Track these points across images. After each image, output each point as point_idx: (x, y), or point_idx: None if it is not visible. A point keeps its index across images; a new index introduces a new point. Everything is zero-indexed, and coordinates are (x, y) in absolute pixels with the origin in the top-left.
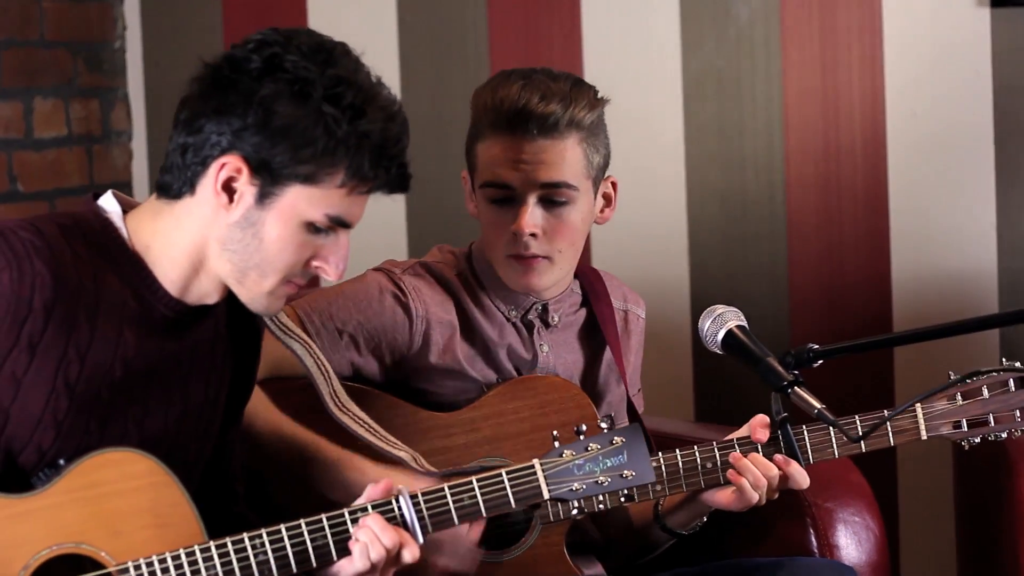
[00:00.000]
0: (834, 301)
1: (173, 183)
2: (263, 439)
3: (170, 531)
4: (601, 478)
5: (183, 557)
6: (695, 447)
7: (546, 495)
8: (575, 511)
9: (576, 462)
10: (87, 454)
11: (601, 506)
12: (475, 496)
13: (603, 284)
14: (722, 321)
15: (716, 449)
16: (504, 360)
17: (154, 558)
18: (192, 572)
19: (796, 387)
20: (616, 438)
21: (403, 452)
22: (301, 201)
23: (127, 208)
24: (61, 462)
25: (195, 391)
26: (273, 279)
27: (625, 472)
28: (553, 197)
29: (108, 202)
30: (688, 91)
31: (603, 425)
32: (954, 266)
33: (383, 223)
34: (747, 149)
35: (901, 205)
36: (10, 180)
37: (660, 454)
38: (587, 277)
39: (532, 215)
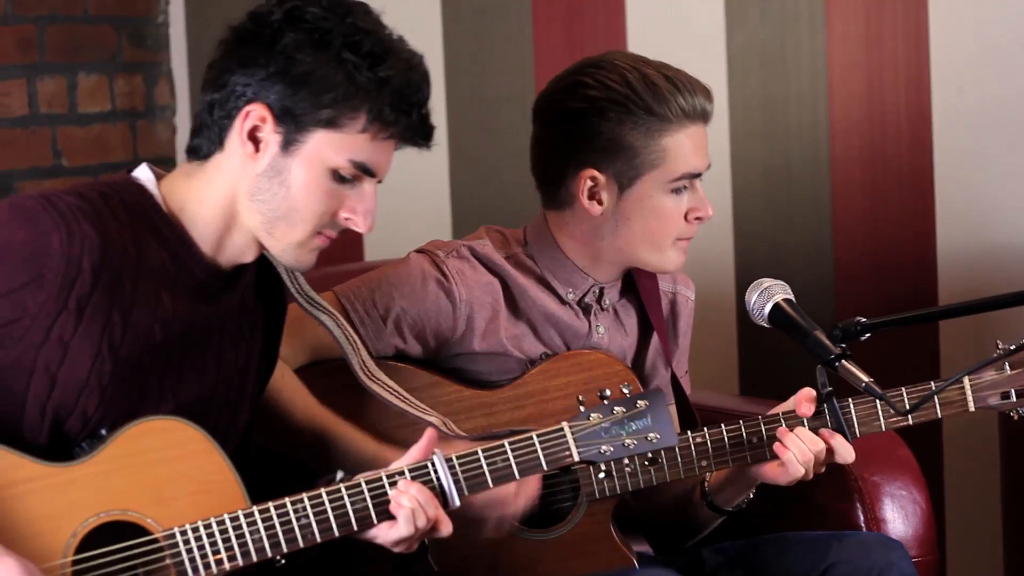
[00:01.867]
0: (879, 275)
1: (203, 144)
2: (300, 428)
3: (214, 497)
4: (628, 440)
5: (228, 522)
6: (741, 422)
7: (576, 457)
8: (602, 472)
9: (603, 425)
10: (130, 422)
11: (635, 479)
12: (507, 459)
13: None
14: (769, 295)
15: (762, 423)
16: (555, 337)
17: (199, 524)
18: (237, 537)
19: (844, 360)
20: (640, 402)
21: (433, 417)
22: (324, 146)
23: (160, 177)
24: (103, 432)
25: (226, 358)
26: (302, 228)
27: (650, 435)
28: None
29: (141, 171)
30: (732, 65)
31: (625, 390)
32: (999, 239)
33: (427, 201)
34: (791, 123)
35: (946, 178)
36: (55, 155)
37: (706, 429)
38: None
39: None
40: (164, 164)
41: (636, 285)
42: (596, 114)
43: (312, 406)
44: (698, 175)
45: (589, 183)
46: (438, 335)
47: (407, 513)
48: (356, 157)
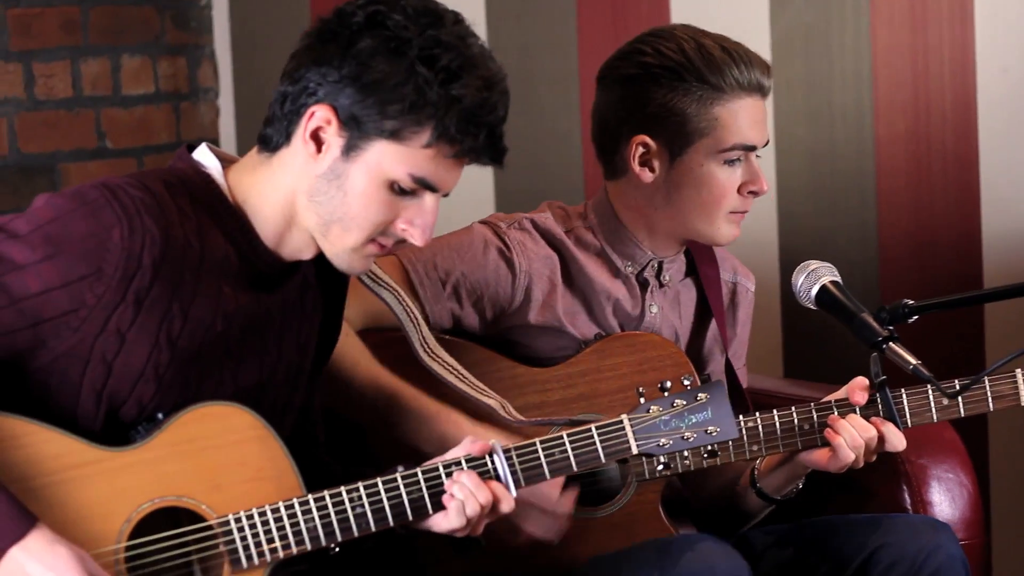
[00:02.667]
0: (924, 257)
1: (273, 135)
2: (363, 389)
3: (269, 484)
4: (687, 433)
5: (282, 510)
6: (793, 408)
7: (634, 450)
8: (660, 466)
9: (663, 418)
10: (187, 408)
11: (687, 462)
12: (566, 451)
13: (713, 255)
14: (816, 277)
15: (814, 410)
16: (609, 316)
17: (254, 511)
18: (292, 524)
19: (891, 343)
20: (700, 394)
21: (492, 399)
22: (386, 158)
23: (223, 161)
24: (160, 416)
25: (287, 341)
26: (356, 235)
27: (710, 428)
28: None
29: (206, 157)
30: (776, 47)
31: (686, 382)
32: None
33: (471, 183)
34: (836, 105)
35: (991, 159)
36: (99, 137)
37: (758, 414)
38: (697, 247)
39: None
40: None
41: (697, 270)
42: (649, 80)
43: (374, 367)
44: (752, 148)
45: (641, 150)
46: (495, 303)
47: (457, 505)
48: (417, 172)
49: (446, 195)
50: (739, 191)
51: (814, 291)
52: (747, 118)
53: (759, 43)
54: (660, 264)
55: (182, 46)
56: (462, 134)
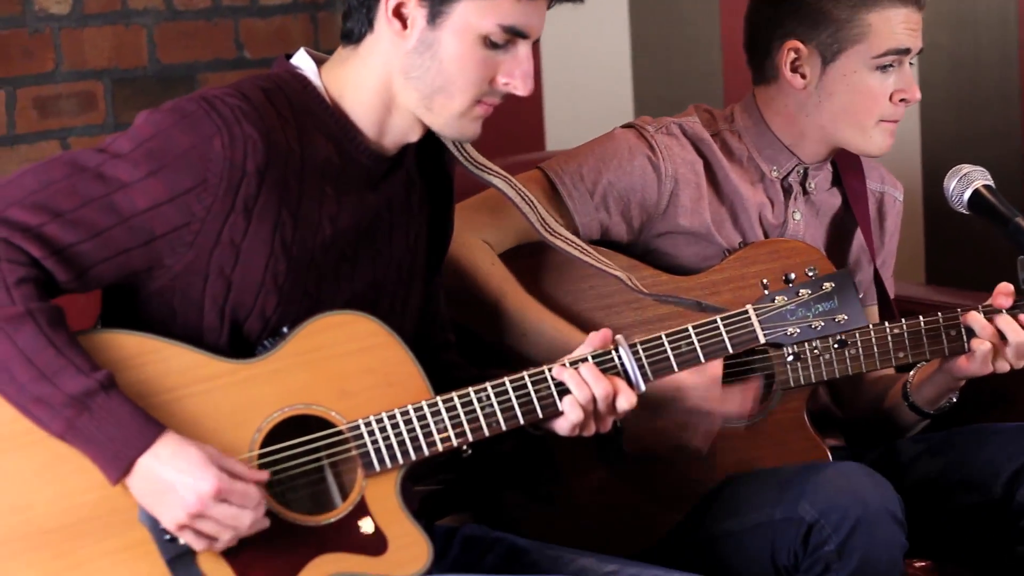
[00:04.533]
0: None
1: (354, 26)
2: (493, 306)
3: (396, 389)
4: (814, 322)
5: (411, 412)
6: (939, 314)
7: (761, 339)
8: (791, 356)
9: (788, 307)
10: (309, 318)
11: (827, 358)
12: (692, 342)
13: (860, 164)
14: (968, 181)
15: (960, 315)
16: (753, 223)
17: (383, 415)
18: (422, 427)
19: None
20: (826, 283)
21: (618, 272)
22: (471, 14)
23: (320, 63)
24: (284, 329)
25: (397, 239)
26: (461, 99)
27: (838, 316)
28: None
29: (302, 60)
30: None
31: (810, 272)
32: None
33: (608, 90)
34: (979, 10)
35: None
36: (237, 47)
37: (903, 320)
38: (843, 156)
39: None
40: None
41: (842, 180)
42: None
43: (507, 284)
44: (905, 51)
45: (792, 55)
46: (643, 209)
47: (569, 399)
48: (505, 21)
49: (535, 41)
50: (891, 99)
51: (967, 195)
52: (901, 24)
53: None
54: (806, 171)
55: None
56: None
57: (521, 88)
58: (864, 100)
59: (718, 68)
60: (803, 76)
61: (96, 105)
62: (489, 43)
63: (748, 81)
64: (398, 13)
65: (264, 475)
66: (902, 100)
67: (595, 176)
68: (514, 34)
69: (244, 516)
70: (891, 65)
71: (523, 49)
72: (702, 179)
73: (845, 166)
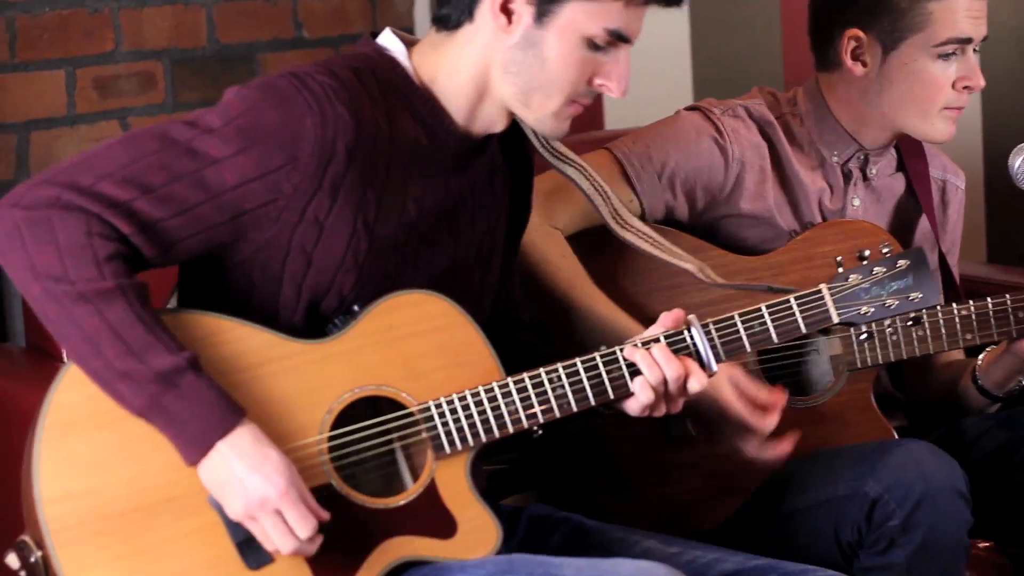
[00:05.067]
0: None
1: (451, 13)
2: (557, 295)
3: (467, 369)
4: (888, 301)
5: (482, 393)
6: (1007, 295)
7: (835, 319)
8: (864, 335)
9: (863, 286)
10: (381, 298)
11: (895, 338)
12: (765, 322)
13: (923, 151)
14: None
15: None
16: (812, 209)
17: (454, 396)
18: (492, 408)
19: None
20: (900, 261)
21: (690, 264)
22: (579, 16)
23: (407, 44)
24: (356, 308)
25: (479, 224)
26: (558, 99)
27: (911, 295)
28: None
29: (390, 40)
30: None
31: (885, 250)
32: None
33: (668, 68)
34: None
35: None
36: (296, 26)
37: (971, 302)
38: (907, 142)
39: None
40: None
41: (905, 166)
42: None
43: (577, 278)
44: (967, 41)
45: (853, 43)
46: (708, 192)
47: (640, 380)
48: (611, 25)
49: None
50: (954, 86)
51: None
52: (963, 11)
53: None
54: (867, 156)
55: None
56: None
57: (616, 90)
58: (926, 88)
59: (778, 50)
60: (864, 64)
61: (156, 85)
62: (592, 45)
63: (808, 63)
64: (505, 8)
65: (325, 515)
66: (965, 87)
67: (663, 158)
68: (617, 38)
69: (288, 540)
70: (953, 53)
71: (624, 52)
72: (767, 162)
73: (908, 151)
